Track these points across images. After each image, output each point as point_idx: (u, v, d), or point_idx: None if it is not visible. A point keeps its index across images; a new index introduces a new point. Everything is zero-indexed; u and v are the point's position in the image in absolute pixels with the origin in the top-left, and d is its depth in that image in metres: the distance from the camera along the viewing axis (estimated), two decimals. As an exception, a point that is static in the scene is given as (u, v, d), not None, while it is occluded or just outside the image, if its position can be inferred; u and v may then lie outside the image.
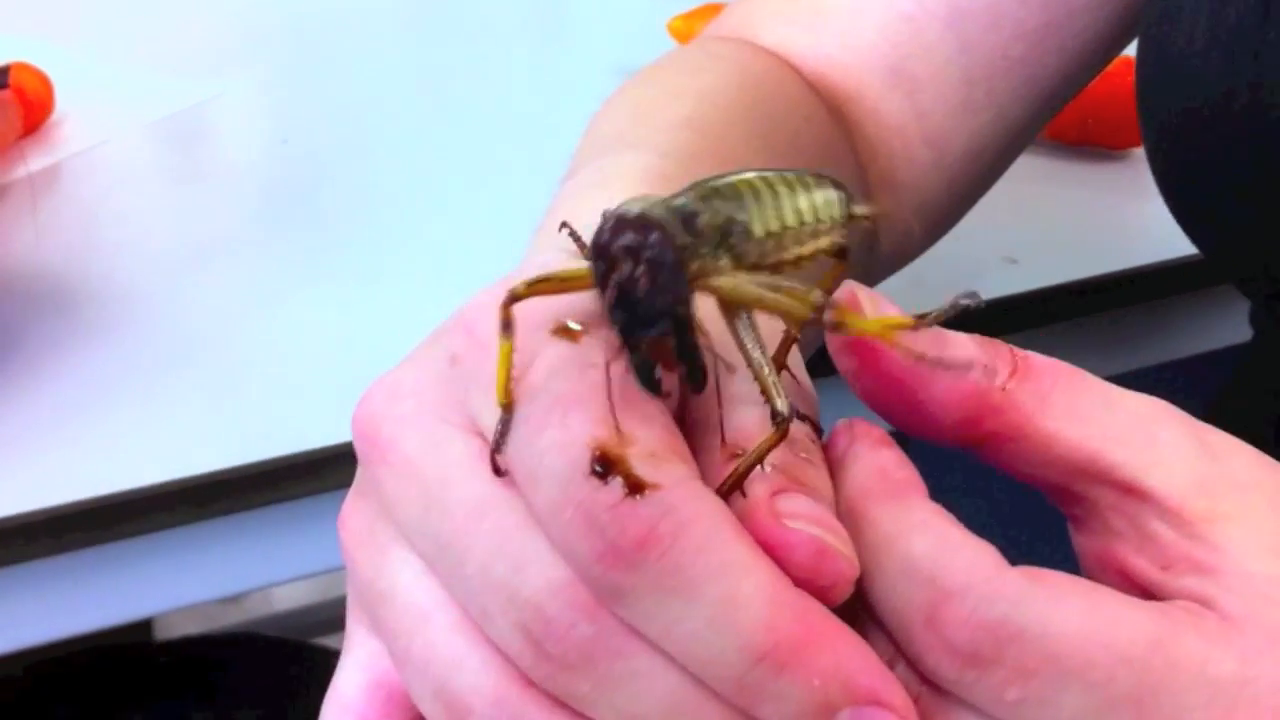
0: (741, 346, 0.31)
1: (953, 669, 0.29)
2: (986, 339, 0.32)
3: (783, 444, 0.31)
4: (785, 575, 0.29)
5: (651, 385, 0.30)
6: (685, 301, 0.30)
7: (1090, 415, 0.31)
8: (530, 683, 0.30)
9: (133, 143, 0.84)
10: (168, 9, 1.00)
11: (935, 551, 0.29)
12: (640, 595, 0.28)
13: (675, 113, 0.51)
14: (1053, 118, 0.64)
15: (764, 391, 0.31)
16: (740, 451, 0.31)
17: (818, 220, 0.32)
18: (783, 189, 0.32)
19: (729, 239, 0.31)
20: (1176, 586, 0.31)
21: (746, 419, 0.32)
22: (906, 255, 0.65)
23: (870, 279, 0.63)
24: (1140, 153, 0.70)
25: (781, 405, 0.30)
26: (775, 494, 0.30)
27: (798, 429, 0.32)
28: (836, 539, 0.30)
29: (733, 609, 0.28)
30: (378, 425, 0.33)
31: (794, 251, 0.32)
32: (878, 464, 0.31)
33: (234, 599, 1.53)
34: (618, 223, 0.30)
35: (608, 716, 0.30)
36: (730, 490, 0.30)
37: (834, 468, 0.31)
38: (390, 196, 0.80)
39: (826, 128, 0.58)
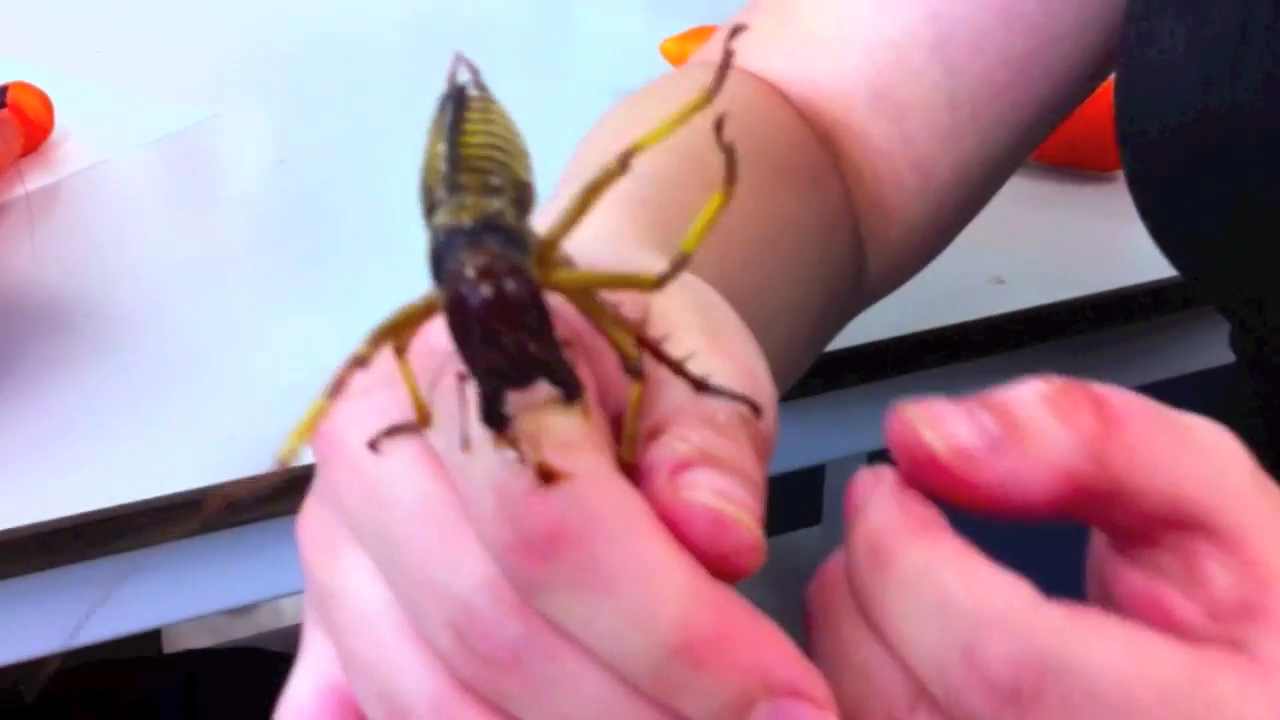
0: (585, 309, 0.31)
1: (992, 707, 0.28)
2: (1061, 392, 0.30)
3: (702, 422, 0.31)
4: (703, 568, 0.29)
5: (500, 421, 0.29)
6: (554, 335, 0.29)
7: (1169, 459, 0.30)
8: (469, 689, 0.30)
9: (131, 163, 0.84)
10: (167, 31, 1.01)
11: (970, 584, 0.28)
12: (554, 589, 0.28)
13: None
14: (1039, 144, 0.65)
15: (616, 346, 0.31)
16: (659, 430, 0.31)
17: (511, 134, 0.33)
18: (485, 132, 0.32)
19: (524, 202, 0.31)
20: (1216, 634, 0.30)
21: (672, 399, 0.32)
22: (896, 279, 0.65)
23: (860, 303, 0.64)
24: (1126, 174, 0.70)
25: (633, 353, 0.31)
26: (680, 468, 0.30)
27: (727, 407, 0.32)
28: (737, 509, 0.29)
29: (647, 604, 0.28)
30: (331, 423, 0.33)
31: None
32: (901, 503, 0.30)
33: (243, 612, 1.53)
34: (482, 274, 0.28)
35: (539, 717, 0.29)
36: (629, 455, 0.30)
37: (856, 512, 0.31)
38: (386, 217, 0.80)
39: (813, 154, 0.58)
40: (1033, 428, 0.29)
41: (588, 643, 0.29)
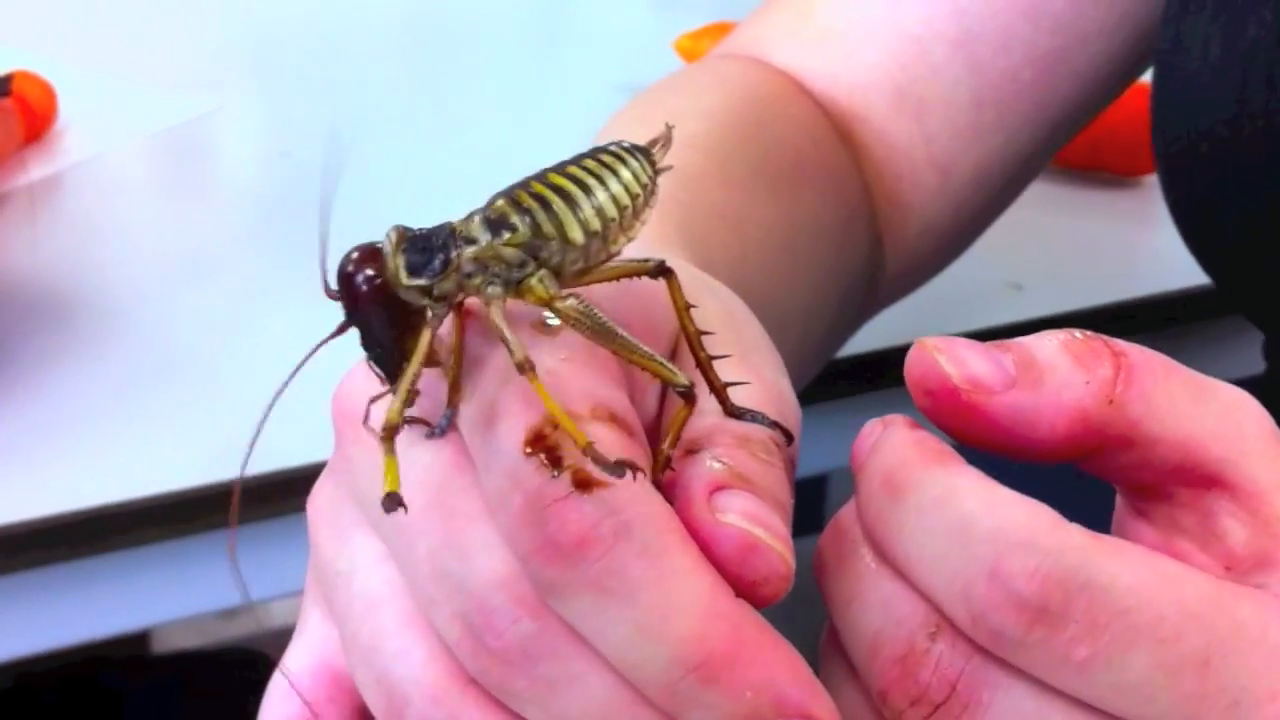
0: (617, 352, 0.31)
1: (1019, 626, 0.28)
2: (1082, 341, 0.31)
3: (739, 443, 0.31)
4: (725, 586, 0.29)
5: (387, 374, 0.31)
6: (378, 323, 0.31)
7: (1187, 411, 0.30)
8: (470, 682, 0.30)
9: (134, 154, 0.84)
10: (171, 22, 1.01)
11: (992, 506, 0.29)
12: (576, 593, 0.28)
13: (680, 132, 0.50)
14: (1064, 145, 0.64)
15: (658, 376, 0.31)
16: (694, 447, 0.31)
17: (633, 200, 0.32)
18: (594, 181, 0.32)
19: (540, 256, 0.31)
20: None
21: (707, 414, 0.32)
22: (914, 280, 0.64)
23: (877, 304, 0.63)
24: (1151, 180, 0.69)
25: (681, 379, 0.31)
26: (716, 489, 0.30)
27: (760, 431, 0.32)
28: (771, 536, 0.30)
29: (666, 617, 0.28)
30: (355, 403, 0.33)
31: (619, 243, 0.32)
32: (916, 437, 0.30)
33: (230, 614, 1.53)
34: (350, 254, 0.32)
35: (542, 716, 0.30)
36: (660, 470, 0.31)
37: (867, 453, 0.31)
38: (391, 211, 0.79)
39: (833, 151, 0.57)
40: (1050, 369, 0.30)
41: (602, 649, 0.29)
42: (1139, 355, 0.30)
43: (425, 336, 0.31)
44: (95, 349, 0.65)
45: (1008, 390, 0.30)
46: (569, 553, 0.28)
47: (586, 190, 0.32)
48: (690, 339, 0.33)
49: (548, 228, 0.31)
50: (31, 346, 0.65)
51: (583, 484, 0.29)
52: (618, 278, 0.33)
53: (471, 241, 0.31)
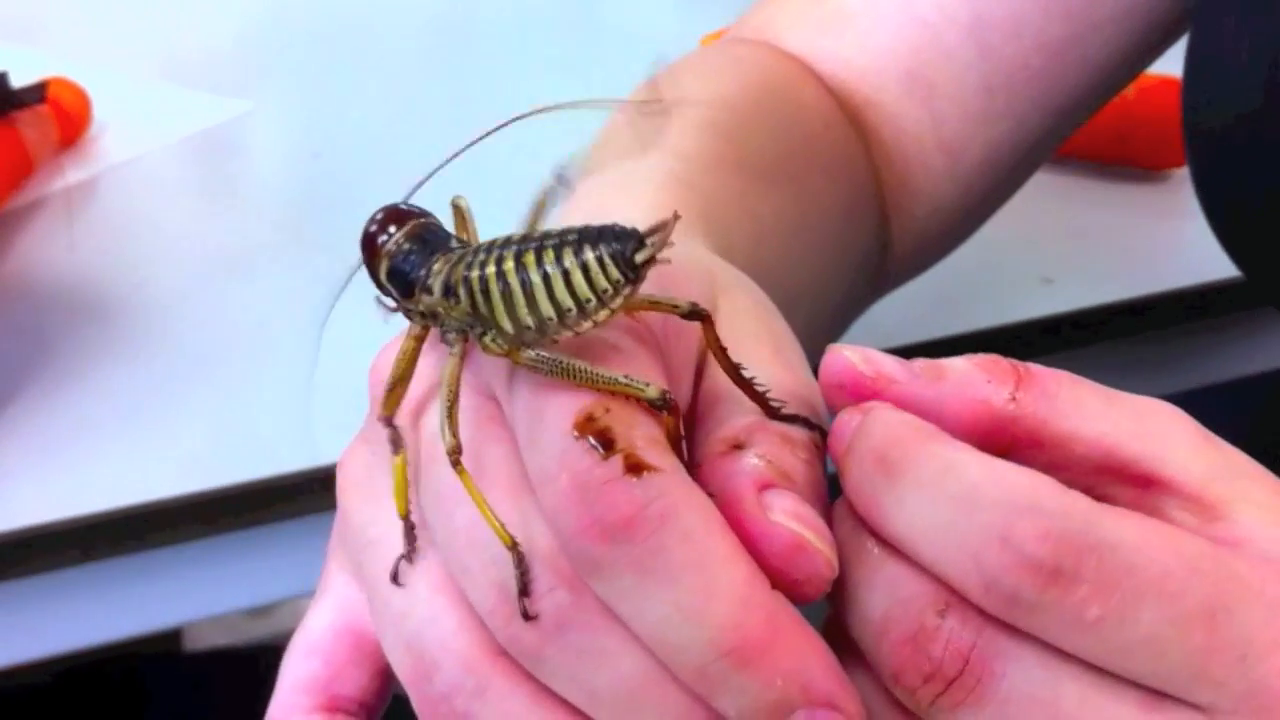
0: (583, 386, 0.31)
1: (1035, 588, 0.29)
2: (987, 357, 0.32)
3: (783, 442, 0.32)
4: (763, 575, 0.29)
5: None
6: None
7: (1100, 413, 0.31)
8: (501, 652, 0.31)
9: (168, 157, 0.84)
10: (202, 25, 1.01)
11: (995, 475, 0.29)
12: (617, 573, 0.29)
13: (696, 116, 0.51)
14: (1073, 132, 0.64)
15: (630, 395, 0.31)
16: (738, 444, 0.32)
17: (594, 296, 0.31)
18: (549, 278, 0.31)
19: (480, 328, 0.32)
20: None
21: (746, 411, 0.33)
22: (922, 262, 0.64)
23: (885, 284, 0.63)
24: (1180, 174, 0.69)
25: (651, 392, 0.31)
26: (763, 488, 0.31)
27: (799, 433, 0.33)
28: (817, 538, 0.30)
29: (706, 601, 0.29)
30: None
31: (567, 333, 0.31)
32: (902, 418, 0.31)
33: (263, 611, 1.54)
34: (390, 211, 0.34)
35: (569, 689, 0.30)
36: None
37: (853, 442, 0.31)
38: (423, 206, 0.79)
39: (843, 134, 0.57)
40: (952, 369, 0.32)
41: (638, 628, 0.29)
42: (1038, 367, 0.32)
43: (408, 348, 0.33)
44: (131, 349, 0.66)
45: (912, 381, 0.32)
46: (615, 533, 0.29)
47: (530, 290, 0.31)
48: (730, 373, 0.34)
49: (484, 312, 0.31)
50: (68, 347, 0.66)
51: (634, 467, 0.29)
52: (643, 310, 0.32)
53: (430, 291, 0.32)
